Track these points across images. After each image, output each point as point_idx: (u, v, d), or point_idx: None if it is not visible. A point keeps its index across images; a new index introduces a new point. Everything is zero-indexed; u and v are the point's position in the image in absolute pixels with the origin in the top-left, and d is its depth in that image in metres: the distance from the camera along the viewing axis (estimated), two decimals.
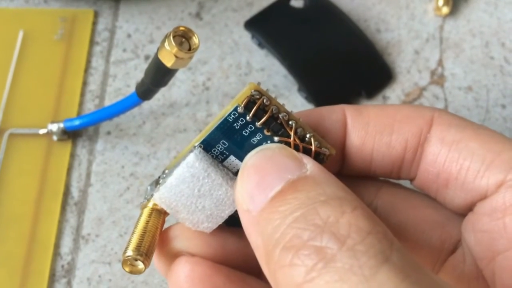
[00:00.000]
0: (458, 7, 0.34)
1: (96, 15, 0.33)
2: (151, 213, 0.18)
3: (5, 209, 0.26)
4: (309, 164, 0.16)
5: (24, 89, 0.30)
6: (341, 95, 0.30)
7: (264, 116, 0.17)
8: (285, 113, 0.17)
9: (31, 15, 0.32)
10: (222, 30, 0.33)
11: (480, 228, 0.18)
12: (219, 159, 0.18)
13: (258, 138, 0.17)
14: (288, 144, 0.17)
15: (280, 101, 0.31)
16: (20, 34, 0.31)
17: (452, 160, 0.18)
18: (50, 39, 0.31)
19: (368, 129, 0.19)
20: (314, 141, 0.17)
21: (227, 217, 0.18)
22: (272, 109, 0.17)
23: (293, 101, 0.30)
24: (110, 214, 0.27)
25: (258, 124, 0.17)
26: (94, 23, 0.32)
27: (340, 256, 0.14)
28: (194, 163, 0.17)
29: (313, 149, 0.17)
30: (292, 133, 0.17)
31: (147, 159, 0.28)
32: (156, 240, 0.18)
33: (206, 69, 0.31)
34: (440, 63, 0.32)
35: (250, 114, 0.17)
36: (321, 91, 0.30)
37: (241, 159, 0.18)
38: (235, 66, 0.31)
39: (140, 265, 0.17)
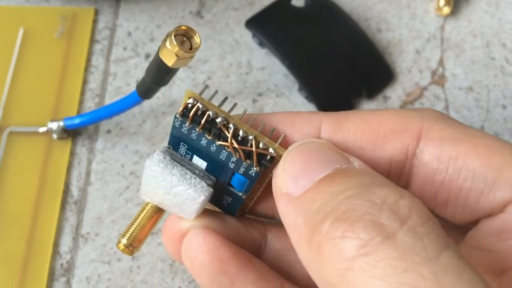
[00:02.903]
0: (459, 7, 0.34)
1: (96, 13, 0.33)
2: (148, 206, 0.20)
3: (4, 208, 0.26)
4: (356, 161, 0.16)
5: (24, 87, 0.30)
6: (342, 95, 0.30)
7: (202, 121, 0.17)
8: (223, 117, 0.17)
9: (31, 13, 0.32)
10: (223, 29, 0.32)
11: (488, 247, 0.17)
12: (187, 158, 0.19)
13: (205, 141, 0.18)
14: (226, 147, 0.17)
15: (281, 100, 0.31)
16: (20, 32, 0.31)
17: (451, 180, 0.17)
18: (50, 37, 0.31)
19: (347, 145, 0.18)
20: (256, 143, 0.17)
21: (196, 211, 0.19)
22: (209, 114, 0.17)
23: (294, 100, 0.30)
24: (110, 213, 0.27)
25: (198, 129, 0.17)
26: (95, 21, 0.32)
27: (401, 235, 0.13)
28: (150, 166, 0.18)
29: (254, 150, 0.17)
30: (229, 136, 0.17)
31: (147, 157, 0.28)
32: (146, 231, 0.19)
33: (206, 68, 0.31)
34: (441, 63, 0.32)
35: (188, 121, 0.17)
36: (322, 90, 0.30)
37: (203, 158, 0.18)
38: (236, 65, 0.31)
39: (127, 251, 0.19)
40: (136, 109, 0.29)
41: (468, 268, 0.13)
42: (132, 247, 0.19)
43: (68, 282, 0.25)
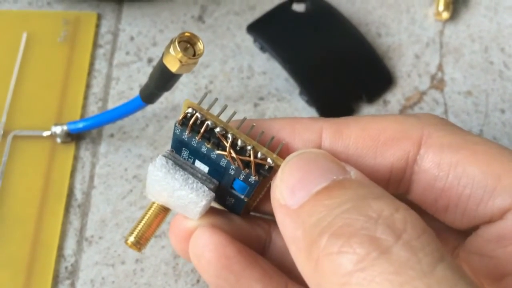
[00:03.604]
0: (458, 12, 0.34)
1: (99, 17, 0.33)
2: (155, 205, 0.20)
3: (9, 211, 0.27)
4: (353, 171, 0.16)
5: (27, 91, 0.30)
6: (342, 99, 0.31)
7: (201, 131, 0.18)
8: (221, 127, 0.18)
9: (34, 17, 0.33)
10: (225, 34, 0.33)
11: (487, 253, 0.17)
12: (190, 161, 0.19)
13: (205, 149, 0.18)
14: (225, 156, 0.18)
15: (282, 104, 0.31)
16: (24, 36, 0.32)
17: (451, 187, 0.17)
18: (53, 41, 0.32)
19: (348, 152, 0.18)
20: (254, 153, 0.17)
21: (199, 213, 0.19)
22: (207, 124, 0.18)
23: (295, 104, 0.30)
24: (113, 216, 0.27)
25: (197, 138, 0.18)
26: (97, 26, 0.33)
27: (396, 249, 0.13)
28: (153, 171, 0.19)
29: (252, 160, 0.17)
30: (228, 146, 0.17)
31: (150, 161, 0.28)
32: (153, 229, 0.20)
33: (208, 73, 0.31)
34: (440, 67, 0.32)
35: (187, 131, 0.18)
36: (322, 94, 0.30)
37: (204, 163, 0.19)
38: (237, 70, 0.32)
39: (135, 248, 0.20)
40: (139, 113, 0.29)
41: (463, 281, 0.13)
42: (139, 244, 0.19)
43: (72, 284, 0.25)
